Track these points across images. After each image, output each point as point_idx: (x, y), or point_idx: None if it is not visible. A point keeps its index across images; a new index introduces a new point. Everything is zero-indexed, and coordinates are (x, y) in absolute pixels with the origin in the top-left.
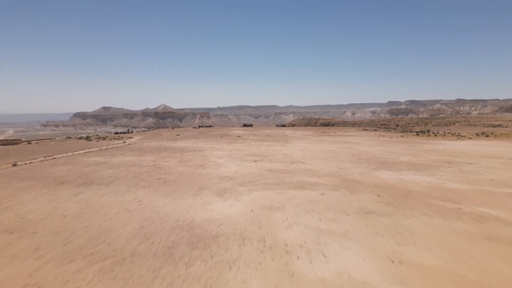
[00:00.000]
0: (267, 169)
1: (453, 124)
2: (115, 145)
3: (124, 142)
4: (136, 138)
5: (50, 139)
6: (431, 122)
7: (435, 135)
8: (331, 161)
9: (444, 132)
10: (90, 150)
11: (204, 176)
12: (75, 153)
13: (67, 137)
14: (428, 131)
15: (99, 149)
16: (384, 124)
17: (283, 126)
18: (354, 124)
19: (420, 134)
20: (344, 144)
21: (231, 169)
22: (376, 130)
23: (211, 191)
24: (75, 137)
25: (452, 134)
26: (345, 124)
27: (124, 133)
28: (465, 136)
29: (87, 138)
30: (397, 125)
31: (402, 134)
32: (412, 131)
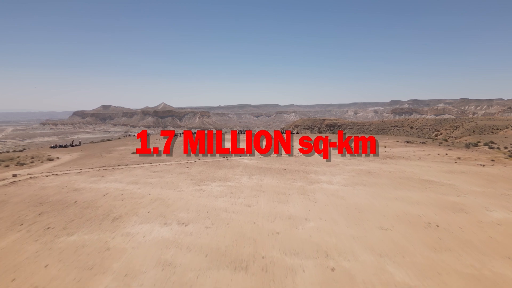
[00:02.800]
0: None
1: (502, 130)
2: None
3: (14, 175)
4: (61, 160)
5: None
6: (462, 125)
7: None
8: None
9: None
10: None
11: None
12: None
13: None
14: (492, 143)
15: None
16: (397, 126)
17: (293, 133)
18: (363, 126)
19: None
20: (429, 191)
21: None
22: (424, 142)
23: None
24: None
25: None
26: (353, 125)
27: (66, 146)
28: None
29: None
30: (411, 127)
31: (483, 152)
32: (475, 144)
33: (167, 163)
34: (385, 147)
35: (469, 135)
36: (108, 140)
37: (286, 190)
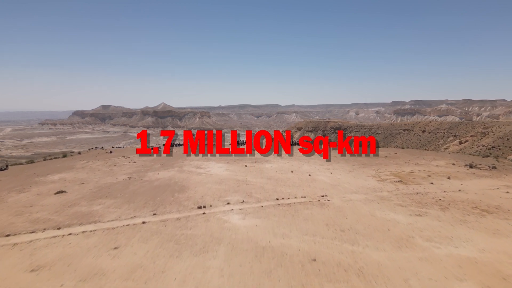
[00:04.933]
0: None
1: None
2: None
3: None
4: None
5: None
6: (492, 132)
7: None
8: None
9: None
10: None
11: None
12: None
13: None
14: None
15: None
16: (407, 129)
17: (295, 144)
18: (370, 129)
19: None
20: None
21: None
22: (495, 167)
23: None
24: None
25: None
26: (359, 128)
27: None
28: None
29: None
30: (423, 131)
31: None
32: None
33: (91, 227)
34: (449, 178)
35: (503, 144)
36: (64, 156)
37: None
